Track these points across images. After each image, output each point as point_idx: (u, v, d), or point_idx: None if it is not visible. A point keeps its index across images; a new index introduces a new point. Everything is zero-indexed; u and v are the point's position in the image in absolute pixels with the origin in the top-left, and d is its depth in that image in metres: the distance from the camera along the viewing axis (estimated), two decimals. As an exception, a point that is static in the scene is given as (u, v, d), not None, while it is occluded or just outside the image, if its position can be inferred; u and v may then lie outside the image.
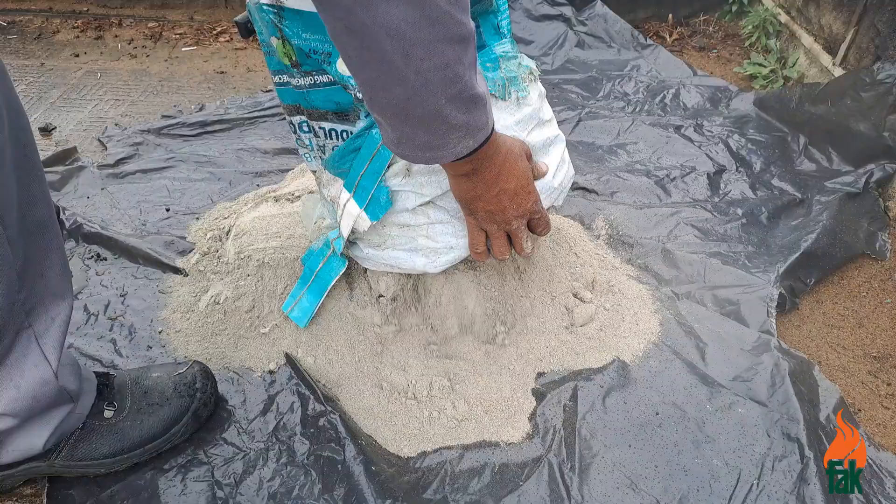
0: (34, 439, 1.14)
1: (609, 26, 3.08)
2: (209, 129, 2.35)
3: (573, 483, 1.26)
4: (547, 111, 1.39)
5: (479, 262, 1.46)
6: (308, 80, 1.24)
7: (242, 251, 1.69)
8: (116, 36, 2.88)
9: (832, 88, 2.22)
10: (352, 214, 1.28)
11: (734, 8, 3.20)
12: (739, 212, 2.01)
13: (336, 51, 1.11)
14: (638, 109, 2.65)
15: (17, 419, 1.09)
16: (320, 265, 1.46)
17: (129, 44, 2.85)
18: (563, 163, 1.40)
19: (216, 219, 1.93)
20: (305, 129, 1.36)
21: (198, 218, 1.95)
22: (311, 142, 1.38)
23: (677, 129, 2.49)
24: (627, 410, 1.40)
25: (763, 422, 1.36)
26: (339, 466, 1.28)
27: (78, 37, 2.85)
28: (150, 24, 2.93)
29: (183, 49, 2.84)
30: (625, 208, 2.03)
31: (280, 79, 1.29)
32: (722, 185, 2.19)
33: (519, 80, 1.28)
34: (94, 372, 1.28)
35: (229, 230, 1.83)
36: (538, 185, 1.25)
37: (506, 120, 1.24)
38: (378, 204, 1.24)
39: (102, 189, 2.04)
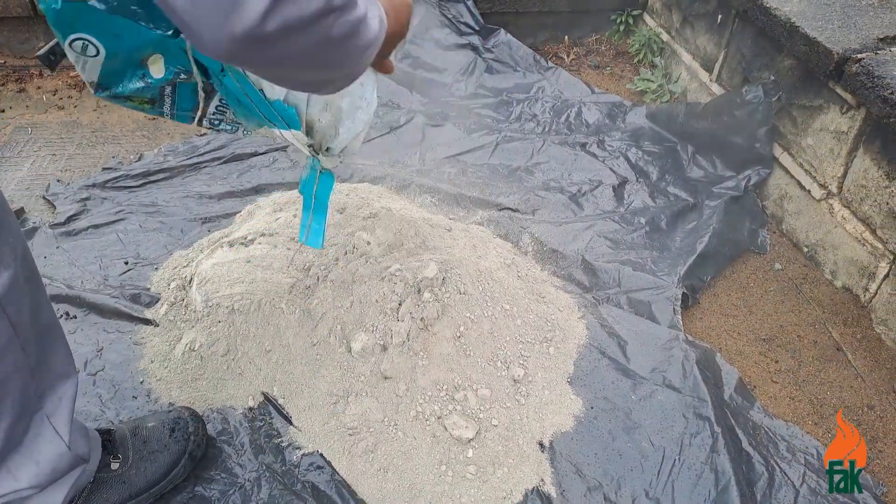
0: (53, 499, 1.27)
1: (513, 52, 3.36)
2: (152, 178, 2.44)
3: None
4: None
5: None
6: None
7: (210, 299, 1.83)
8: (39, 87, 2.88)
9: (710, 107, 2.59)
10: (292, 137, 1.42)
11: (622, 28, 3.57)
12: (643, 220, 2.33)
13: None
14: (547, 129, 2.94)
15: (38, 489, 1.21)
16: (315, 187, 1.57)
17: (55, 95, 2.86)
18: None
19: (175, 268, 2.05)
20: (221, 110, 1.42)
21: (157, 268, 2.06)
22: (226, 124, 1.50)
23: (583, 146, 2.80)
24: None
25: (679, 405, 1.66)
26: (325, 488, 1.47)
27: None
28: (71, 73, 2.94)
29: (108, 95, 2.87)
30: (546, 225, 2.30)
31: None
32: (626, 196, 2.51)
33: None
34: (96, 430, 1.41)
35: (191, 278, 1.96)
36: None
37: None
38: (291, 118, 1.35)
39: (58, 247, 2.11)
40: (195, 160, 2.55)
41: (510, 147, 2.79)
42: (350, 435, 1.57)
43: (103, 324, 1.86)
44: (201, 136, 2.77)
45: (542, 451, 1.56)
